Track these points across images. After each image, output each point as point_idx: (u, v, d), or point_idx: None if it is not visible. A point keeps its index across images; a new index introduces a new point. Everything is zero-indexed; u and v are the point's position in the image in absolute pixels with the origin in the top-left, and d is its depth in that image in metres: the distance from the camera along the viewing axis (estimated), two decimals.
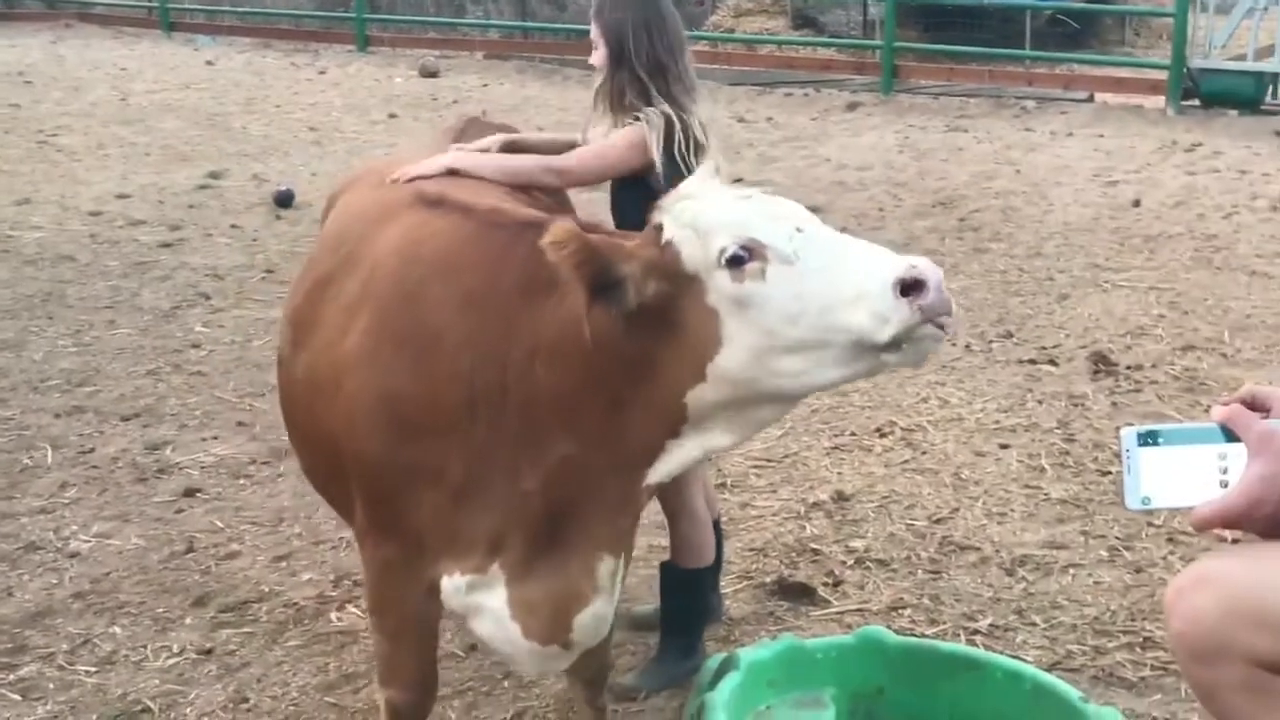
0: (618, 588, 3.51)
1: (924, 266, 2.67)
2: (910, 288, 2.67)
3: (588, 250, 2.81)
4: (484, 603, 3.44)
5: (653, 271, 2.89)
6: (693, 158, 4.23)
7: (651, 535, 5.28)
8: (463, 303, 3.26)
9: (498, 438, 3.24)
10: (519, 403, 3.21)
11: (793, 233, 2.80)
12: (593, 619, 3.44)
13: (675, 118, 4.27)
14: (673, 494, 4.48)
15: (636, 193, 4.12)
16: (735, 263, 2.79)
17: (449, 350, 3.24)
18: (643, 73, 4.29)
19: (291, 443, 4.16)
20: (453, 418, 3.25)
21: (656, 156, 4.21)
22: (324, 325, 3.58)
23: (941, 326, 2.71)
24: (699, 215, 2.87)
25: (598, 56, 4.40)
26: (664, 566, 4.74)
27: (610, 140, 4.31)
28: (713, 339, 2.88)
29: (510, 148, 4.45)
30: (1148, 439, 2.11)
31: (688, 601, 4.74)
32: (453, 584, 3.44)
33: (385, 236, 3.60)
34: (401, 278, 3.40)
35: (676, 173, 4.07)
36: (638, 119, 4.27)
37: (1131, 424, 2.10)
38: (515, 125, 5.29)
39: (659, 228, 2.95)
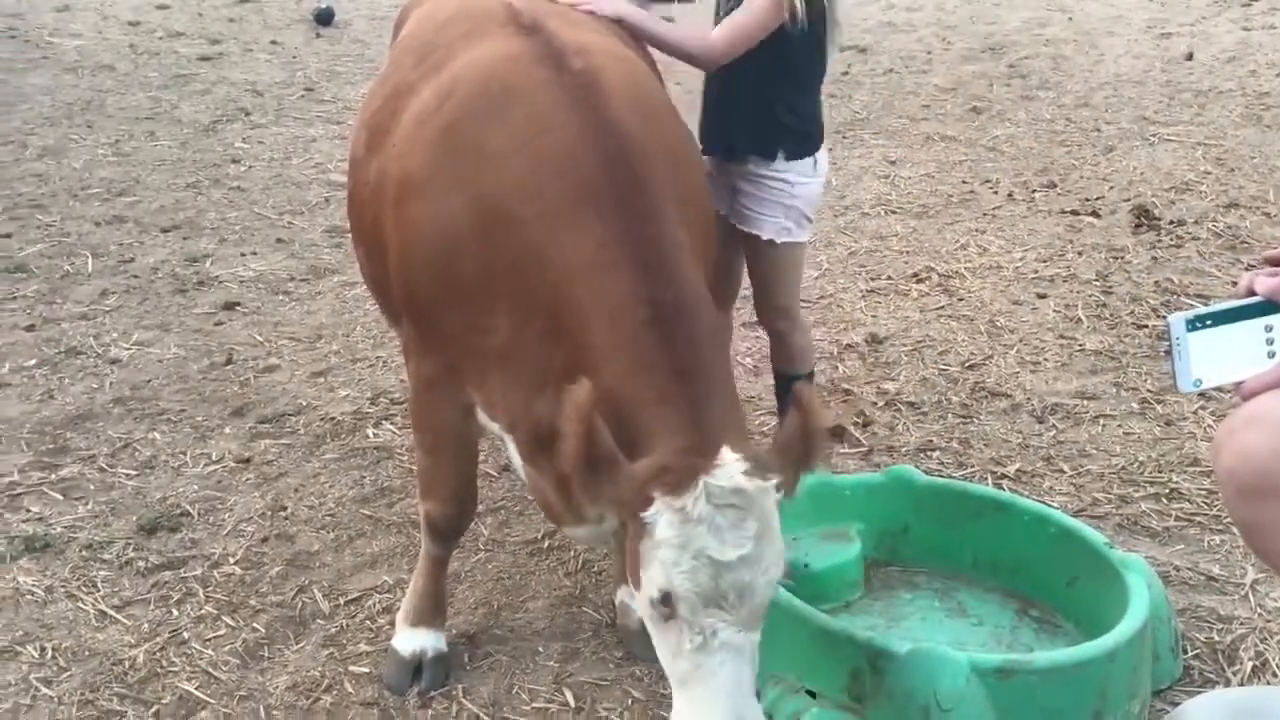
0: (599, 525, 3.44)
1: None
2: None
3: (591, 444, 2.69)
4: (509, 444, 3.47)
5: (620, 513, 2.84)
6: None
7: None
8: (534, 198, 3.13)
9: (534, 340, 3.18)
10: (546, 329, 3.14)
11: (702, 637, 2.70)
12: (575, 535, 3.46)
13: None
14: (782, 315, 4.66)
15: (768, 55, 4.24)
16: (658, 600, 2.74)
17: (514, 229, 3.13)
18: None
19: (355, 248, 4.16)
20: (505, 286, 3.18)
21: (799, 6, 4.21)
22: (398, 133, 3.53)
23: None
24: (674, 555, 2.70)
25: None
26: (782, 374, 4.85)
27: (747, 10, 4.22)
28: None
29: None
30: (1195, 323, 2.12)
31: None
32: (485, 414, 3.49)
33: (473, 54, 3.51)
34: (482, 129, 3.28)
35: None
36: None
37: (1179, 310, 2.10)
38: None
39: (650, 502, 2.73)
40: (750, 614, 2.73)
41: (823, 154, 4.51)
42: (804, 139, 4.43)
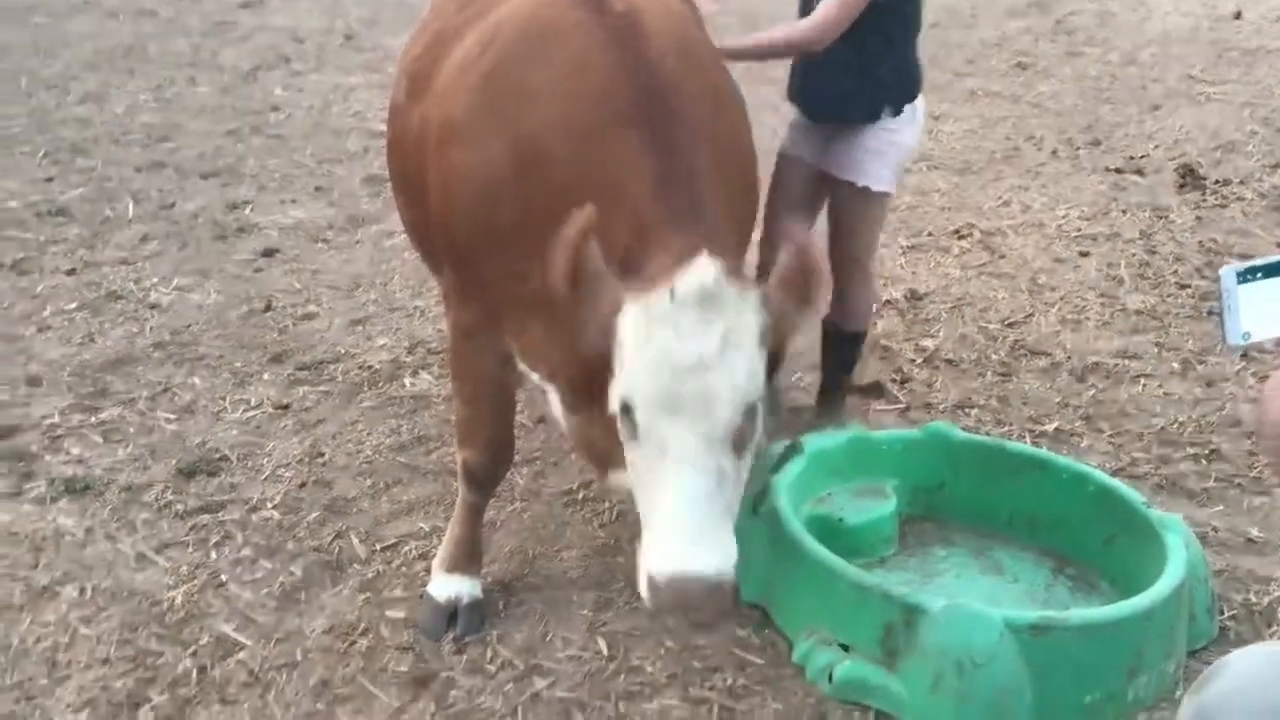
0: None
1: (669, 584, 2.60)
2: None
3: (580, 261, 2.70)
4: (549, 394, 3.46)
5: (602, 331, 2.78)
6: None
7: None
8: (570, 135, 3.13)
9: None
10: None
11: (660, 451, 2.68)
12: (616, 486, 3.43)
13: None
14: (856, 267, 4.56)
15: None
16: (620, 413, 2.75)
17: (550, 168, 3.13)
18: None
19: (394, 196, 4.16)
20: (541, 228, 3.00)
21: None
22: (440, 79, 3.53)
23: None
24: (634, 355, 2.70)
25: None
26: (834, 329, 4.80)
27: None
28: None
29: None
30: (1246, 275, 2.08)
31: (850, 357, 4.92)
32: (525, 364, 3.48)
33: (515, 1, 3.52)
34: (522, 72, 3.28)
35: None
36: None
37: (1230, 263, 2.06)
38: None
39: (624, 307, 2.74)
40: (713, 428, 2.67)
41: (920, 101, 4.48)
42: (904, 93, 4.41)
